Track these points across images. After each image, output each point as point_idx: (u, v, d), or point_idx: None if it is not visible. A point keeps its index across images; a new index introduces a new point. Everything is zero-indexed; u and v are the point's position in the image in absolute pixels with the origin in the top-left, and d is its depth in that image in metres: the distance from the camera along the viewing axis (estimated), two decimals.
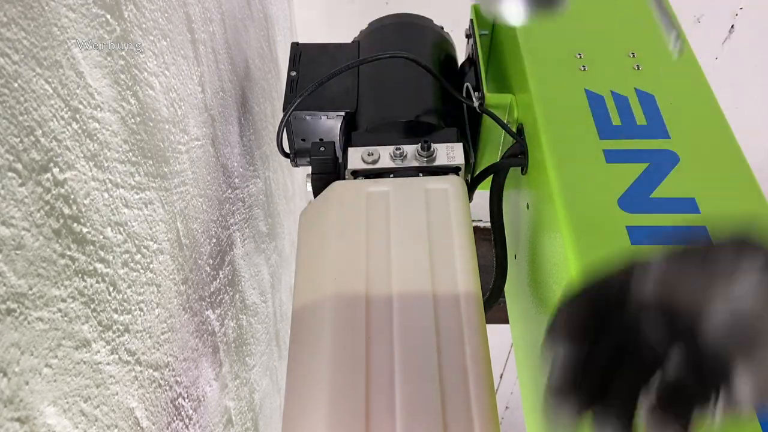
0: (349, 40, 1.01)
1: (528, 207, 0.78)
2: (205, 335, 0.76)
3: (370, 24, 1.03)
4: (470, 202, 0.81)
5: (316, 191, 0.81)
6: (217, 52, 0.86)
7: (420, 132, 0.84)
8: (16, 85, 0.36)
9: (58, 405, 0.40)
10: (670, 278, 0.39)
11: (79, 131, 0.44)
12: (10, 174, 0.35)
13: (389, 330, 0.62)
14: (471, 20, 1.04)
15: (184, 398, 0.66)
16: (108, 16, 0.49)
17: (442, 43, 1.00)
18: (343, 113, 0.88)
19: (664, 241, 0.41)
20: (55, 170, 0.40)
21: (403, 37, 0.98)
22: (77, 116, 0.44)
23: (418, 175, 0.77)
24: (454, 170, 0.79)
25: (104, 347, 0.47)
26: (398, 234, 0.69)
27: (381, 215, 0.71)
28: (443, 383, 0.59)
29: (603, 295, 0.40)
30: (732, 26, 1.81)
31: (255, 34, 1.17)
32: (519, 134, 0.80)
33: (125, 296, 0.51)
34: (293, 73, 0.93)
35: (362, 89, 0.91)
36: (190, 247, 0.71)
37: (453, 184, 0.74)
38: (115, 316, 0.49)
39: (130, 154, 0.53)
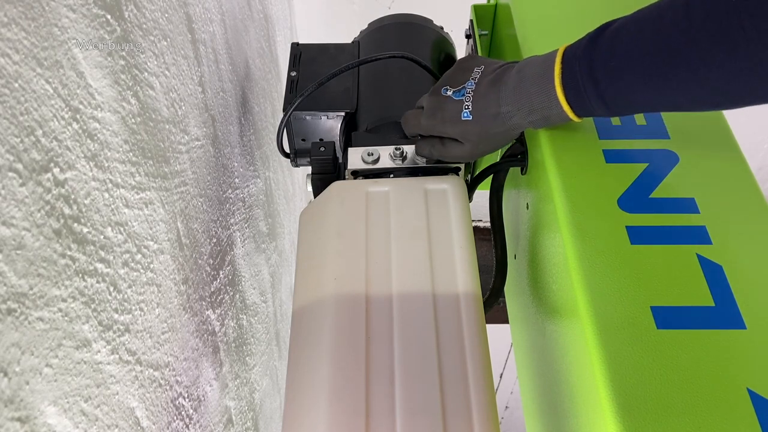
0: (349, 41, 1.01)
1: (528, 207, 0.78)
2: (205, 335, 0.76)
3: (370, 24, 1.03)
4: (470, 202, 0.81)
5: (316, 191, 0.81)
6: (218, 53, 0.86)
7: None
8: (16, 85, 0.36)
9: (58, 405, 0.40)
10: None
11: (80, 131, 0.44)
12: (10, 174, 0.35)
13: (389, 330, 0.62)
14: (471, 20, 1.04)
15: (184, 398, 0.67)
16: (108, 17, 0.49)
17: (442, 43, 1.00)
18: (343, 113, 0.88)
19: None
20: (56, 170, 0.40)
21: (402, 38, 0.98)
22: (78, 116, 0.44)
23: (418, 175, 0.77)
24: (454, 170, 0.79)
25: (105, 347, 0.47)
26: (398, 234, 0.70)
27: (381, 215, 0.71)
28: (443, 383, 0.59)
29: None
30: None
31: (255, 34, 1.17)
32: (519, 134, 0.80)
33: (126, 296, 0.51)
34: (293, 73, 0.93)
35: (362, 89, 0.91)
36: (190, 247, 0.71)
37: (453, 184, 0.74)
38: (116, 316, 0.49)
39: (131, 154, 0.53)
